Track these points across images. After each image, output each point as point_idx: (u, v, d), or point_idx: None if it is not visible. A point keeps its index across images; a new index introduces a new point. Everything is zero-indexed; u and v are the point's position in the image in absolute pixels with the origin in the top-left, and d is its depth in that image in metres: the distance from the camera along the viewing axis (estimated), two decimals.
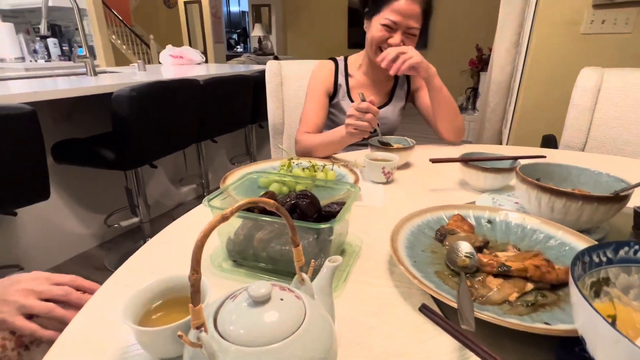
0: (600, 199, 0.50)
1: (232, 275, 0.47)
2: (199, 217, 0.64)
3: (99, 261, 1.86)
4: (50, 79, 1.91)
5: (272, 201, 0.29)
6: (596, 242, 0.47)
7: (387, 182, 0.77)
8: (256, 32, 7.23)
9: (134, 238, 2.05)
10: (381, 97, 1.16)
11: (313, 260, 0.34)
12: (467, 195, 0.72)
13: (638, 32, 1.65)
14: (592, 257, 0.33)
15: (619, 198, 0.50)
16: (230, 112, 2.08)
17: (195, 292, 0.25)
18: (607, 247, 0.33)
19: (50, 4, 3.04)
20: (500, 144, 2.59)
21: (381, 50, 1.01)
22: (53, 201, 1.72)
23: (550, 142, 1.57)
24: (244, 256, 0.48)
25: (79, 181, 1.81)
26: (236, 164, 2.79)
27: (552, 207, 0.54)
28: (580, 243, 0.48)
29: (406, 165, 0.88)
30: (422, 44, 6.15)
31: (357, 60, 1.16)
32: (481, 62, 5.00)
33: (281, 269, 0.46)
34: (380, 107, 1.14)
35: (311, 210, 0.49)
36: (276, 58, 5.79)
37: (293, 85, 1.39)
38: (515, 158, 0.73)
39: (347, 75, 1.14)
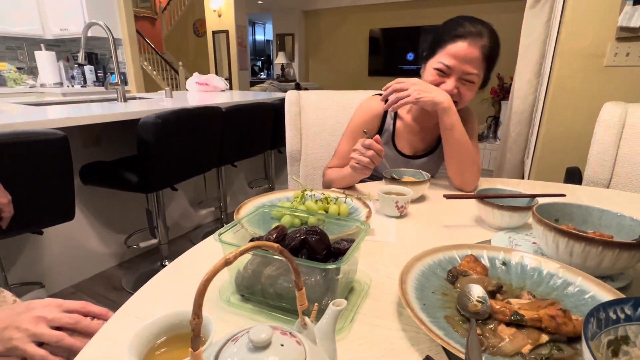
0: (622, 245, 0.48)
1: (239, 311, 0.47)
2: (211, 247, 0.65)
3: (116, 281, 1.89)
4: (84, 104, 2.03)
5: (276, 245, 0.29)
6: (618, 292, 0.44)
7: (401, 217, 0.77)
8: (279, 59, 7.49)
9: (152, 259, 2.08)
10: (428, 144, 1.08)
11: (316, 304, 0.34)
12: (483, 232, 0.70)
13: None
14: (609, 314, 0.31)
15: None
16: (250, 138, 2.13)
17: (195, 336, 0.25)
18: (625, 303, 0.32)
19: (88, 34, 3.26)
20: (523, 175, 2.53)
21: None
22: (77, 221, 1.78)
23: (574, 175, 1.53)
24: (251, 291, 0.48)
25: (102, 202, 1.88)
26: (254, 188, 2.83)
27: (571, 251, 0.52)
28: (602, 292, 0.45)
29: (421, 199, 0.88)
30: None
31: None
32: (502, 91, 4.98)
33: (288, 307, 0.46)
34: (423, 155, 1.08)
35: (320, 247, 0.49)
36: (298, 84, 5.95)
37: (311, 114, 1.42)
38: (533, 196, 0.71)
39: (395, 116, 1.07)
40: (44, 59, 3.42)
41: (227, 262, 0.26)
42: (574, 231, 0.52)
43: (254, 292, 0.48)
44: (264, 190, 2.87)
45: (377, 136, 0.81)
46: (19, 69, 3.54)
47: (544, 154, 2.02)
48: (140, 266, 2.03)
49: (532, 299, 0.45)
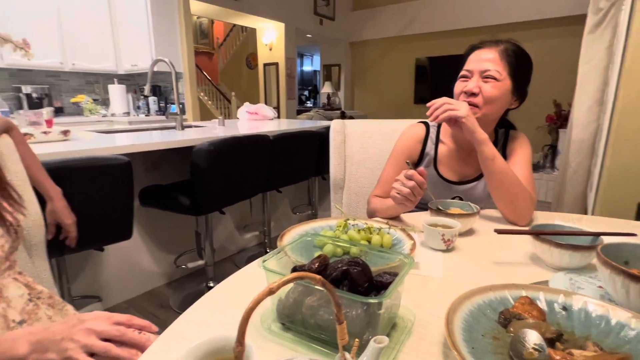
0: None
1: (279, 339, 0.47)
2: (255, 272, 0.66)
3: (164, 299, 1.97)
4: (146, 132, 2.21)
5: (318, 277, 0.30)
6: None
7: (447, 250, 0.74)
8: (326, 89, 7.72)
9: (198, 280, 2.15)
10: (474, 169, 1.05)
11: (357, 341, 0.33)
12: (539, 272, 0.65)
13: None
14: None
15: None
16: (295, 165, 2.19)
17: None
18: None
19: (155, 69, 3.61)
20: (585, 209, 2.33)
21: None
22: (133, 239, 1.91)
23: None
24: (292, 320, 0.48)
25: (156, 223, 2.00)
26: (297, 214, 2.87)
27: None
28: None
29: (469, 232, 0.84)
30: None
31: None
32: (560, 118, 4.70)
33: (328, 339, 0.45)
34: (469, 182, 1.05)
35: (362, 279, 0.48)
36: (343, 112, 6.06)
37: (355, 143, 1.44)
38: (598, 234, 0.65)
39: (437, 141, 1.07)
40: (116, 92, 3.82)
41: (271, 292, 0.27)
42: None
43: (295, 321, 0.48)
44: (307, 216, 2.90)
45: (422, 168, 0.79)
46: (94, 100, 3.97)
47: (609, 187, 1.85)
48: (187, 286, 2.11)
49: (598, 351, 0.41)
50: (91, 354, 0.50)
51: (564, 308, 0.50)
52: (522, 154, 1.00)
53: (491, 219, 0.95)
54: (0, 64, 3.20)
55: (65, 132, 1.61)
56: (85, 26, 3.70)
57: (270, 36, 6.33)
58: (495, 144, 1.05)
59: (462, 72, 0.97)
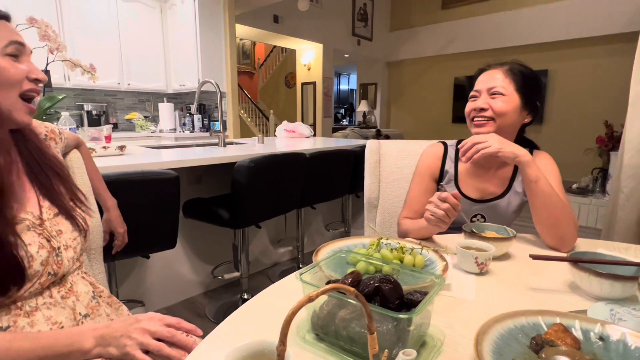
0: None
1: (313, 349, 0.50)
2: (289, 286, 0.70)
3: (200, 308, 2.05)
4: (191, 148, 2.36)
5: (352, 289, 0.33)
6: None
7: (481, 274, 0.73)
8: (362, 107, 7.80)
9: (233, 291, 2.22)
10: (496, 187, 1.06)
11: (387, 350, 0.35)
12: (578, 301, 0.63)
13: None
14: None
15: None
16: (330, 183, 2.23)
17: None
18: None
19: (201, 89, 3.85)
20: (639, 237, 2.17)
21: (475, 125, 1.01)
22: (176, 249, 2.02)
23: None
24: (326, 331, 0.51)
25: (197, 234, 2.10)
26: (330, 231, 2.89)
27: None
28: None
29: (505, 257, 0.83)
30: (537, 119, 5.80)
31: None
32: (612, 140, 4.43)
33: (359, 352, 0.48)
34: (492, 200, 1.06)
35: (393, 296, 0.50)
36: (378, 131, 6.08)
37: (390, 163, 1.46)
38: None
39: (456, 160, 1.10)
40: (165, 109, 4.11)
41: (310, 299, 0.31)
42: None
43: (328, 332, 0.51)
44: (340, 233, 2.91)
45: (456, 191, 0.81)
46: (145, 117, 4.28)
47: None
48: (222, 297, 2.18)
49: None
50: (146, 352, 0.56)
51: (601, 338, 0.49)
52: (552, 174, 0.98)
53: (528, 243, 0.93)
54: (67, 85, 3.56)
55: (122, 148, 1.76)
56: (141, 49, 4.05)
57: (308, 56, 6.54)
58: (517, 167, 1.05)
59: (472, 93, 1.03)
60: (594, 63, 5.30)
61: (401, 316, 0.42)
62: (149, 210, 1.31)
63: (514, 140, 1.04)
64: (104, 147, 1.68)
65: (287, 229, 2.60)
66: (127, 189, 1.23)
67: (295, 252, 2.63)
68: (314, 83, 6.58)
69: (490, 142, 0.89)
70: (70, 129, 1.64)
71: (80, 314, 0.68)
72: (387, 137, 5.98)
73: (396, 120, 7.84)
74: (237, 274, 2.05)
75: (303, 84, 6.82)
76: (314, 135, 6.01)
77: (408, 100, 7.56)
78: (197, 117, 4.24)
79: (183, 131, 4.22)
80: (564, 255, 0.68)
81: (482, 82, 1.01)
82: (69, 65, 1.63)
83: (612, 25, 4.97)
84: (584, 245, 0.90)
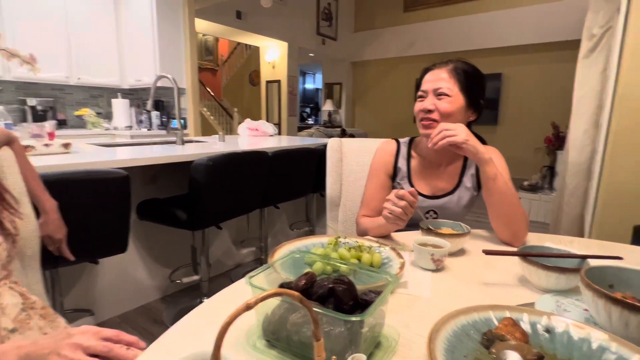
0: None
1: (263, 356, 0.47)
2: (247, 288, 0.66)
3: (157, 314, 1.95)
4: (147, 146, 2.24)
5: (296, 294, 0.31)
6: None
7: (437, 270, 0.74)
8: (327, 106, 7.82)
9: (192, 295, 2.13)
10: (446, 183, 1.09)
11: (334, 357, 0.34)
12: (527, 294, 0.65)
13: None
14: None
15: None
16: (293, 182, 2.20)
17: None
18: None
19: (158, 84, 3.68)
20: (582, 231, 2.33)
21: (423, 125, 1.02)
22: (129, 253, 1.90)
23: None
24: (277, 337, 0.48)
25: (153, 236, 2.00)
26: (295, 230, 2.86)
27: (626, 323, 0.47)
28: None
29: (460, 253, 0.84)
30: (492, 120, 6.11)
31: (420, 140, 1.14)
32: (558, 140, 4.74)
33: (311, 357, 0.45)
34: (443, 196, 1.08)
35: (347, 297, 0.48)
36: (343, 130, 6.12)
37: (352, 161, 1.46)
38: (584, 257, 0.66)
39: (409, 157, 1.13)
40: (119, 106, 3.88)
41: (248, 307, 0.28)
42: (630, 301, 0.48)
43: (280, 338, 0.48)
44: (304, 232, 2.89)
45: (413, 189, 0.81)
46: (97, 113, 4.02)
47: (605, 209, 1.86)
48: (181, 301, 2.09)
49: None
50: None
51: (547, 330, 0.50)
52: (501, 169, 0.99)
53: (482, 238, 0.96)
54: (7, 77, 3.27)
55: (66, 145, 1.63)
56: (92, 42, 3.79)
57: (273, 54, 6.46)
58: (465, 159, 1.09)
59: (419, 93, 1.04)
60: (543, 68, 5.65)
61: (352, 318, 0.40)
62: (96, 213, 1.21)
63: None
64: (46, 145, 1.55)
65: (250, 229, 2.54)
66: (70, 190, 1.14)
67: (259, 252, 2.57)
68: (278, 81, 6.51)
69: (458, 131, 0.90)
70: (5, 124, 1.50)
71: (5, 329, 0.61)
72: (351, 136, 6.04)
73: (361, 119, 7.95)
74: (196, 277, 1.97)
75: (268, 82, 6.73)
76: (279, 133, 5.94)
77: (372, 100, 7.68)
78: (155, 114, 4.04)
79: (140, 129, 4.01)
80: (515, 249, 0.70)
81: (429, 82, 1.02)
82: (5, 55, 1.49)
83: (559, 33, 5.32)
84: (534, 239, 0.94)
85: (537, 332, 0.50)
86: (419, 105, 1.03)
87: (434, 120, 1.00)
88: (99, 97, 4.26)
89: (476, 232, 0.99)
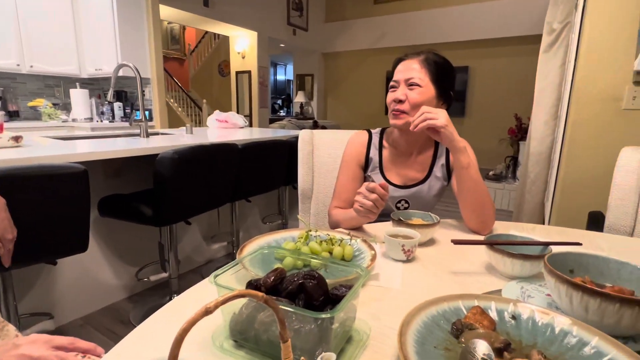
0: None
1: (231, 358, 0.45)
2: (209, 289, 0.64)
3: (124, 314, 1.88)
4: (109, 139, 2.12)
5: (260, 294, 0.29)
6: (637, 355, 0.41)
7: (407, 261, 0.74)
8: (299, 98, 7.75)
9: (161, 293, 2.07)
10: (417, 172, 1.10)
11: (303, 358, 0.32)
12: (494, 281, 0.67)
13: None
14: None
15: None
16: (265, 174, 2.16)
17: None
18: None
19: (120, 74, 3.49)
20: (543, 218, 2.44)
21: (393, 116, 1.03)
22: (91, 252, 1.81)
23: (597, 219, 1.47)
24: (245, 337, 0.47)
25: (117, 234, 1.91)
26: (268, 224, 2.83)
27: (586, 307, 0.48)
28: (621, 355, 0.42)
29: (430, 242, 0.85)
30: (459, 111, 6.28)
31: (391, 131, 1.14)
32: (520, 131, 4.95)
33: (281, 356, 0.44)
34: (414, 185, 1.09)
35: (317, 293, 0.47)
36: (315, 122, 6.10)
37: (324, 153, 1.44)
38: (547, 244, 0.68)
39: (381, 147, 1.13)
40: (78, 96, 3.66)
41: (207, 312, 0.26)
42: (589, 285, 0.49)
43: (248, 338, 0.46)
44: (277, 225, 2.87)
45: (384, 182, 0.81)
46: (54, 104, 3.77)
47: (564, 197, 1.95)
48: (150, 300, 2.02)
49: (542, 359, 0.42)
50: None
51: (513, 317, 0.51)
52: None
53: (451, 227, 0.97)
54: None
55: (17, 138, 1.51)
56: (46, 27, 3.53)
57: (242, 44, 6.30)
58: (436, 148, 1.10)
59: (391, 83, 1.04)
60: (508, 61, 5.85)
61: (322, 316, 0.39)
62: (51, 211, 1.13)
63: None
64: None
65: (221, 223, 2.49)
66: (20, 186, 1.05)
67: (231, 247, 2.53)
68: (249, 72, 6.37)
69: (439, 116, 0.89)
70: None
71: None
72: (323, 128, 6.03)
73: (333, 111, 7.94)
74: (165, 274, 1.91)
75: (238, 73, 6.56)
76: (250, 125, 5.83)
77: (344, 92, 7.69)
78: (117, 106, 3.85)
79: (101, 121, 3.80)
80: (482, 238, 0.71)
81: (400, 73, 1.02)
82: None
83: (522, 28, 5.51)
84: (499, 227, 0.97)
85: (504, 320, 0.51)
86: (391, 96, 1.03)
87: (404, 112, 1.00)
88: (56, 87, 4.00)
89: (445, 221, 1.01)
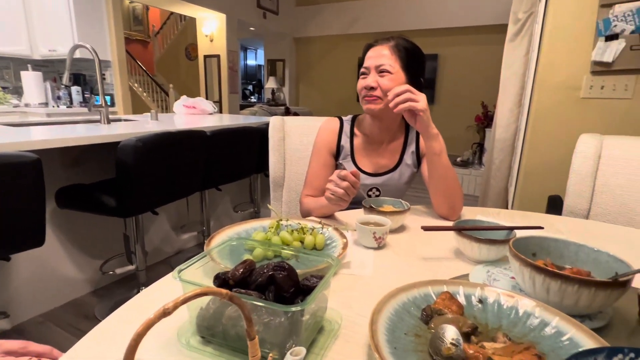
0: (598, 283, 0.47)
1: (198, 355, 0.44)
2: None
3: (89, 309, 1.80)
4: (66, 125, 1.99)
5: (224, 291, 0.27)
6: (596, 335, 0.43)
7: (379, 248, 0.75)
8: (270, 84, 7.60)
9: (129, 286, 2.00)
10: (388, 160, 1.11)
11: (271, 355, 0.31)
12: (462, 265, 0.68)
13: (638, 98, 1.67)
14: None
15: (618, 284, 0.47)
16: (235, 162, 2.11)
17: None
18: (598, 353, 0.30)
19: (77, 55, 3.27)
20: (506, 202, 2.55)
21: (367, 102, 1.01)
22: (50, 246, 1.71)
23: (556, 203, 1.54)
24: (212, 333, 0.45)
25: (78, 226, 1.81)
26: (239, 212, 2.78)
27: (548, 288, 0.50)
28: (579, 334, 0.44)
29: (400, 229, 0.86)
30: (429, 99, 6.37)
31: (363, 118, 1.14)
32: (486, 119, 5.11)
33: None
34: (385, 173, 1.10)
35: (288, 284, 0.46)
36: (287, 108, 6.02)
37: (295, 140, 1.42)
38: (511, 228, 0.71)
39: (352, 135, 1.12)
40: (30, 79, 3.40)
41: (166, 313, 0.24)
42: (550, 268, 0.51)
43: (215, 334, 0.45)
44: (249, 214, 2.83)
45: (355, 169, 0.80)
46: (3, 88, 3.50)
47: (526, 182, 2.04)
48: (116, 293, 1.95)
49: (507, 341, 0.43)
50: None
51: (480, 301, 0.52)
52: None
53: (421, 213, 0.99)
54: None
55: None
56: None
57: (210, 27, 6.06)
58: (406, 136, 1.11)
59: (361, 70, 1.03)
60: (475, 49, 5.98)
61: (292, 309, 0.38)
62: (0, 203, 1.05)
63: (401, 115, 1.08)
64: None
65: (190, 213, 2.42)
66: None
67: (201, 237, 2.47)
68: (217, 56, 6.14)
69: (420, 99, 0.88)
70: None
71: None
72: (295, 114, 5.96)
73: (305, 97, 7.86)
74: (131, 267, 1.84)
75: (206, 57, 6.32)
76: (220, 112, 5.67)
77: (316, 78, 7.61)
78: (75, 90, 3.61)
79: (58, 106, 3.56)
80: (450, 223, 0.73)
81: (371, 59, 1.01)
82: None
83: (490, 17, 5.62)
84: (466, 212, 1.00)
85: (472, 304, 0.52)
86: (361, 83, 1.02)
87: (378, 97, 0.99)
88: (4, 68, 3.70)
89: (415, 207, 1.02)
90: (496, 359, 0.38)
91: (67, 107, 3.55)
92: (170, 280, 0.60)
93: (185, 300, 0.25)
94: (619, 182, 1.05)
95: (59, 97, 3.63)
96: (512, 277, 0.63)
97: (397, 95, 0.87)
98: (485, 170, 2.95)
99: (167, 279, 0.61)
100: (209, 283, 0.48)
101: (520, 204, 2.09)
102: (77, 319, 1.73)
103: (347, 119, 1.15)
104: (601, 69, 1.69)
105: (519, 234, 0.65)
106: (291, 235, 0.71)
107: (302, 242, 0.72)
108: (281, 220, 0.76)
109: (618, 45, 1.61)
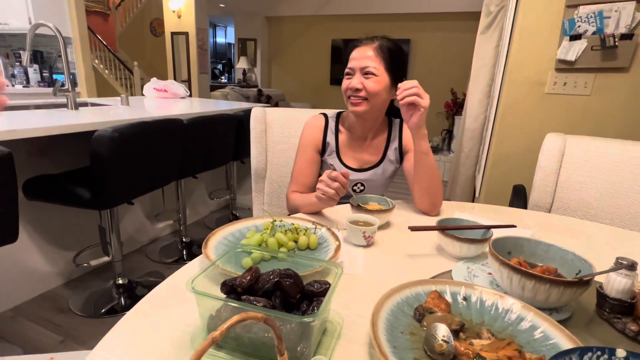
0: (566, 283, 0.54)
1: (210, 359, 0.46)
2: (183, 278, 0.63)
3: (63, 302, 1.76)
4: (28, 111, 1.87)
5: (261, 315, 0.30)
6: (564, 328, 0.49)
7: (367, 246, 0.79)
8: (241, 64, 7.40)
9: (104, 277, 1.96)
10: (372, 155, 1.15)
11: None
12: (444, 262, 0.74)
13: (596, 95, 1.80)
14: None
15: (582, 283, 0.54)
16: (212, 150, 2.08)
17: None
18: (572, 353, 0.36)
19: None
20: (474, 188, 2.69)
21: (352, 104, 1.04)
22: (19, 238, 1.64)
23: (519, 192, 1.66)
24: (225, 338, 0.48)
25: (48, 216, 1.74)
26: (215, 199, 2.76)
27: (523, 286, 0.57)
28: (550, 328, 0.50)
29: (386, 226, 0.91)
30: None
31: (347, 115, 1.16)
32: (456, 106, 5.27)
33: (263, 355, 0.46)
34: (369, 168, 1.14)
35: (294, 291, 0.49)
36: (260, 90, 5.90)
37: (277, 131, 1.43)
38: (489, 227, 0.77)
39: (337, 131, 1.15)
40: None
41: (214, 341, 0.27)
42: (524, 267, 0.58)
43: (228, 339, 0.47)
44: (225, 201, 2.81)
45: (345, 170, 0.84)
46: None
47: (493, 171, 2.16)
48: (91, 285, 1.91)
49: (491, 337, 0.49)
50: None
51: (465, 299, 0.58)
52: None
53: (403, 209, 1.04)
54: None
55: None
56: None
57: (177, 2, 5.77)
58: (389, 132, 1.16)
59: (346, 70, 1.05)
60: (447, 36, 6.08)
61: (306, 320, 0.41)
62: None
63: (384, 113, 1.13)
64: None
65: (166, 201, 2.38)
66: None
67: (177, 225, 2.44)
68: (186, 34, 5.88)
69: (425, 98, 0.92)
70: None
71: None
72: (268, 97, 5.86)
73: (277, 79, 7.72)
74: (107, 258, 1.80)
75: (173, 34, 6.03)
76: (190, 94, 5.48)
77: (289, 60, 7.47)
78: (32, 69, 3.36)
79: (13, 85, 3.31)
80: (432, 220, 0.78)
81: (356, 60, 1.03)
82: None
83: (462, 3, 5.71)
84: (444, 207, 1.06)
85: (457, 301, 0.58)
86: (346, 83, 1.04)
87: (364, 99, 1.02)
88: None
89: (398, 205, 1.07)
90: (484, 355, 0.44)
91: (23, 86, 3.31)
92: (163, 287, 0.62)
93: (230, 326, 0.27)
94: (578, 179, 1.15)
95: (13, 76, 3.37)
96: (489, 273, 0.69)
97: (407, 89, 0.91)
98: (454, 157, 3.08)
99: (161, 287, 0.62)
100: (214, 289, 0.51)
101: (487, 191, 2.22)
102: (51, 312, 1.69)
103: (331, 115, 1.17)
104: (565, 66, 1.79)
105: (498, 234, 0.71)
106: (285, 235, 0.74)
107: (296, 242, 0.75)
108: (275, 220, 0.78)
109: (580, 45, 1.72)
